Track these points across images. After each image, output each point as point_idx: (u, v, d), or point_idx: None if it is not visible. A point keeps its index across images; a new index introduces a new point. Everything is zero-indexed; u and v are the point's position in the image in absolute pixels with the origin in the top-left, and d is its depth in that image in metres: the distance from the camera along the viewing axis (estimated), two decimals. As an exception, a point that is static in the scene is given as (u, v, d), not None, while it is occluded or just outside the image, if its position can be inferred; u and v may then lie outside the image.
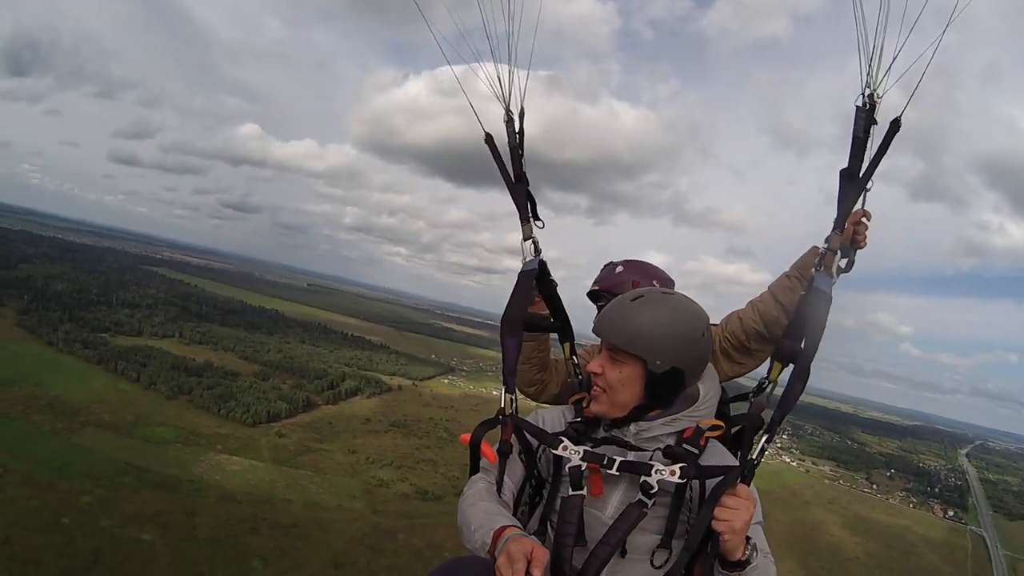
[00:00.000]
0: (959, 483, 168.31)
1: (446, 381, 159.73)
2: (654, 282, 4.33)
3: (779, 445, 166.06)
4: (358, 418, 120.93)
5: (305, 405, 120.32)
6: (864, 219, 3.32)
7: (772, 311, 3.83)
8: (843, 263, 3.28)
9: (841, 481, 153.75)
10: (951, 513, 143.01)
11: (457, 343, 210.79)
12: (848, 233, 3.27)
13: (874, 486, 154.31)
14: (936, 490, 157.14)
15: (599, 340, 3.21)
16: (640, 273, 4.44)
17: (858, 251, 3.42)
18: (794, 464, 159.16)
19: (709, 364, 3.31)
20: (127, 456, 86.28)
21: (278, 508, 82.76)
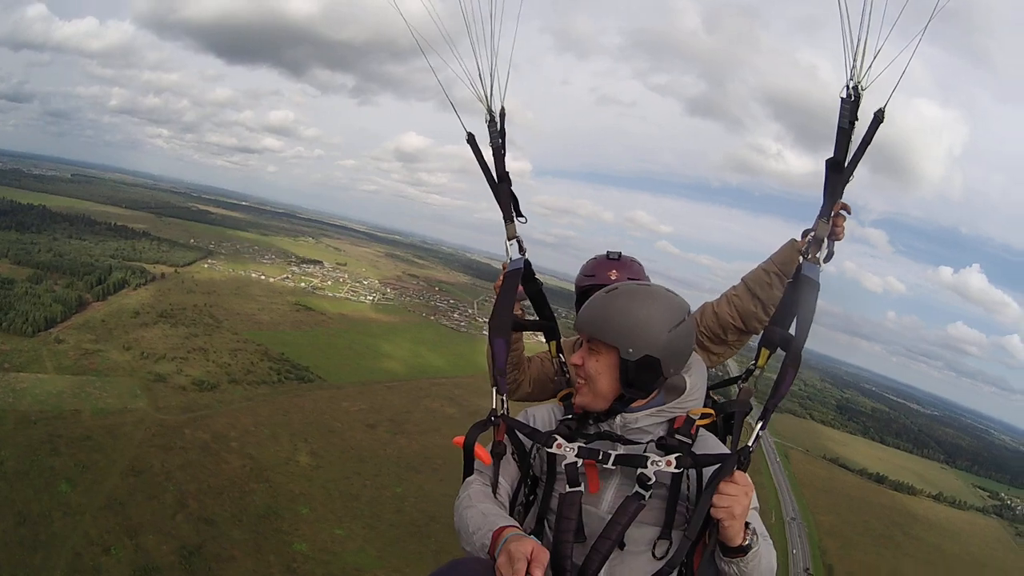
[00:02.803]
0: (719, 373, 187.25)
1: (206, 266, 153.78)
2: (611, 273, 4.55)
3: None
4: (128, 312, 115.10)
5: (78, 305, 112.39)
6: (844, 211, 3.38)
7: (748, 305, 4.00)
8: (823, 254, 3.32)
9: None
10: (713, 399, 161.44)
11: (215, 226, 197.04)
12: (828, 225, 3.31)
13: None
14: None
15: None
16: (605, 268, 4.61)
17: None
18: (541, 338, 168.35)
19: (697, 356, 3.37)
20: (-71, 400, 77.77)
21: (69, 421, 79.10)
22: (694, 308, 3.98)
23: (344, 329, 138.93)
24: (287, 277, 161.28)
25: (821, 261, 3.27)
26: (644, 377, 3.03)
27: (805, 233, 3.51)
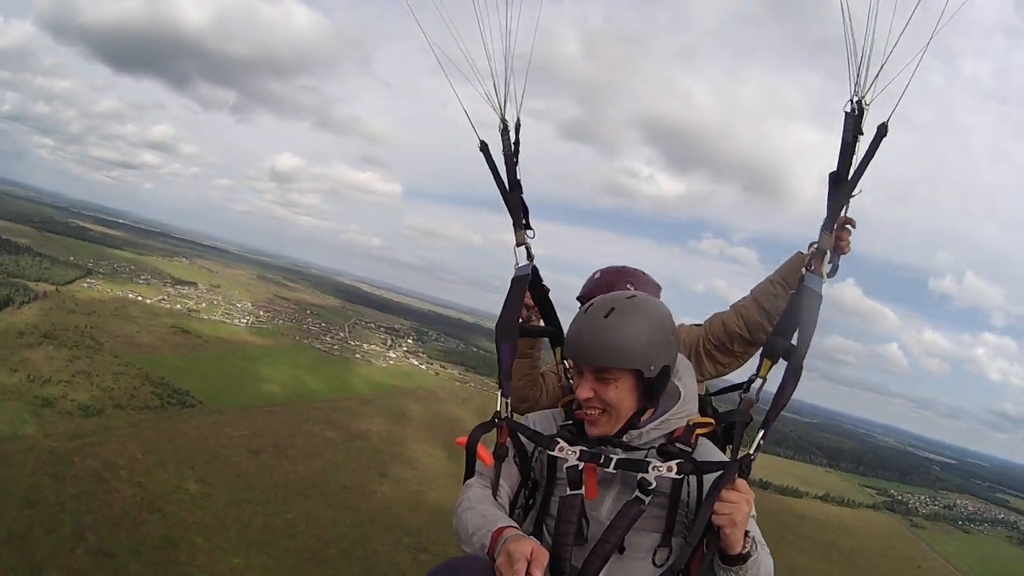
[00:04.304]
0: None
1: (86, 285, 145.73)
2: (628, 284, 4.44)
3: (405, 349, 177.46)
4: (13, 332, 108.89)
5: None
6: (848, 225, 3.41)
7: (755, 316, 4.04)
8: (827, 268, 3.31)
9: (472, 384, 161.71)
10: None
11: (94, 244, 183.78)
12: (832, 238, 3.30)
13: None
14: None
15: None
16: (615, 276, 4.58)
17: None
18: (423, 367, 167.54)
19: (684, 360, 3.44)
20: None
21: (-40, 451, 74.47)
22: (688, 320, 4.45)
23: (222, 353, 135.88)
24: (163, 299, 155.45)
25: (825, 274, 3.28)
26: (661, 388, 3.11)
27: (811, 246, 3.45)
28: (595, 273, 4.70)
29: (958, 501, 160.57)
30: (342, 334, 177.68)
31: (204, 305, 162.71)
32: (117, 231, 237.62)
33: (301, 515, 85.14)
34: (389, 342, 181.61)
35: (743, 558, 2.76)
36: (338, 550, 79.20)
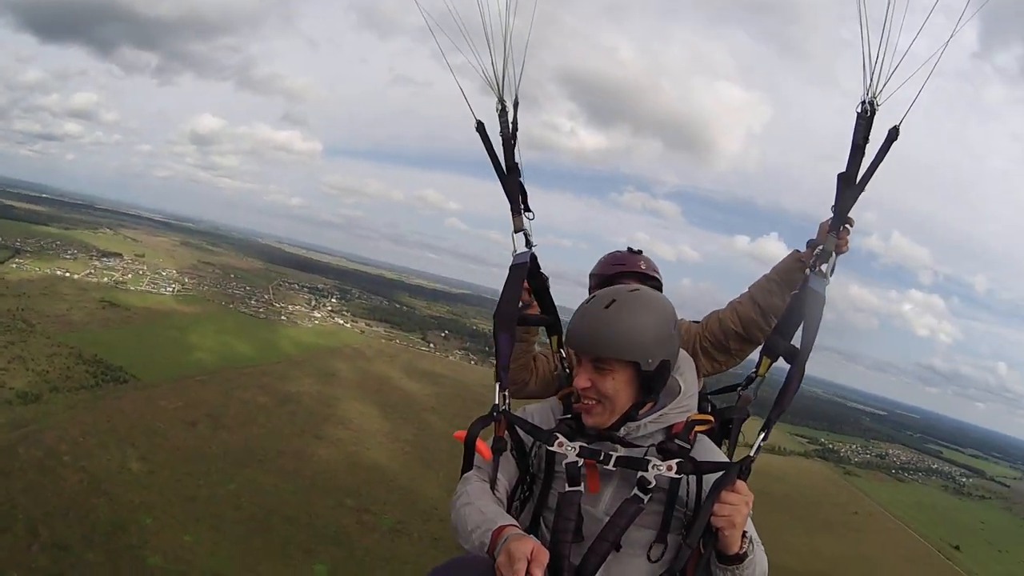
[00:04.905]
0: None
1: (15, 265, 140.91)
2: (640, 263, 4.61)
3: (329, 309, 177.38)
4: None
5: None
6: (847, 225, 3.34)
7: (750, 313, 4.03)
8: (828, 267, 3.28)
9: (398, 341, 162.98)
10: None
11: (19, 222, 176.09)
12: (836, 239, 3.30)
13: (431, 345, 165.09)
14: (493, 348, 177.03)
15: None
16: (611, 261, 4.71)
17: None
18: (348, 325, 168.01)
19: (686, 355, 3.38)
20: None
21: (-97, 443, 73.25)
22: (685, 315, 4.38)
23: (150, 324, 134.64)
24: (90, 272, 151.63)
25: (828, 274, 3.26)
26: (659, 382, 3.07)
27: (809, 244, 3.60)
28: (605, 256, 4.84)
29: (890, 450, 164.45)
30: (267, 296, 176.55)
31: (130, 276, 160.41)
32: (42, 206, 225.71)
33: (243, 485, 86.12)
34: (313, 302, 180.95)
35: (740, 558, 2.82)
36: (282, 517, 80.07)
